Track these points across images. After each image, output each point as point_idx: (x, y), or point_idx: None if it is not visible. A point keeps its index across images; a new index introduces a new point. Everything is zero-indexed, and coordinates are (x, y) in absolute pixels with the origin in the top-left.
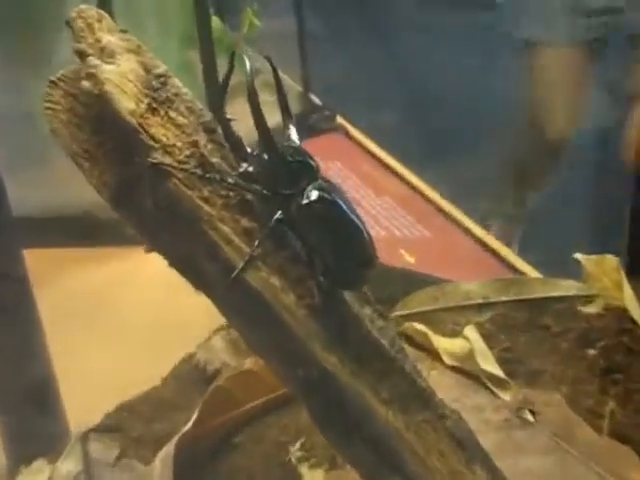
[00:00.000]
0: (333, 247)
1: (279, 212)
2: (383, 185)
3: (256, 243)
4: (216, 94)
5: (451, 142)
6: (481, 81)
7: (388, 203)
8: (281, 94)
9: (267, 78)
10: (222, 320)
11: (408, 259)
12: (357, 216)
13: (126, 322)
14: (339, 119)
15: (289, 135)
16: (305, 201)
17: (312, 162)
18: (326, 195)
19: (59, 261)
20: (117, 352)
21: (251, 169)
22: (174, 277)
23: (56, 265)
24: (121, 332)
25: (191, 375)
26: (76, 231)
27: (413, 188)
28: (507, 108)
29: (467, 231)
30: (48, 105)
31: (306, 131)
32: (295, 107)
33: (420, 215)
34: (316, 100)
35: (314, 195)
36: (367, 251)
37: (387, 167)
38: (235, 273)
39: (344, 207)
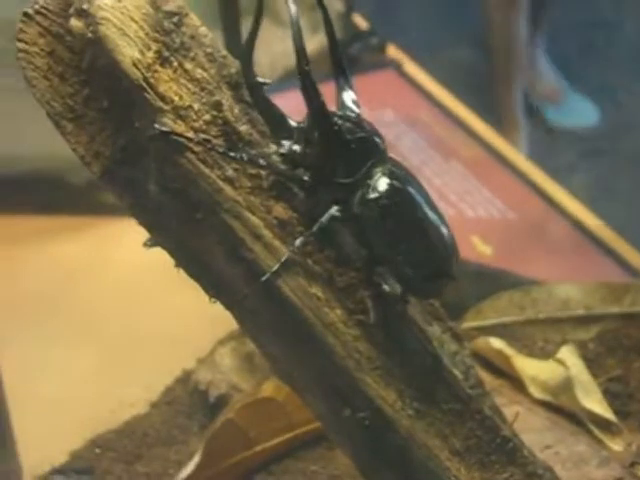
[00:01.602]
0: (405, 251)
1: (335, 207)
2: (451, 144)
3: (297, 242)
4: (244, 50)
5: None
6: None
7: (458, 170)
8: (332, 42)
9: None
10: (232, 325)
11: (483, 249)
12: (436, 211)
13: (99, 321)
14: (391, 50)
15: (344, 100)
16: (373, 195)
17: (378, 139)
18: (398, 185)
19: (9, 235)
20: (88, 363)
21: (296, 148)
22: (167, 260)
23: (5, 240)
24: (93, 335)
25: (188, 401)
26: (35, 195)
27: (493, 151)
28: None
29: (566, 213)
30: (21, 46)
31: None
32: None
33: (501, 189)
34: (361, 23)
35: (383, 185)
36: (447, 257)
37: (457, 120)
38: (265, 277)
39: (421, 200)
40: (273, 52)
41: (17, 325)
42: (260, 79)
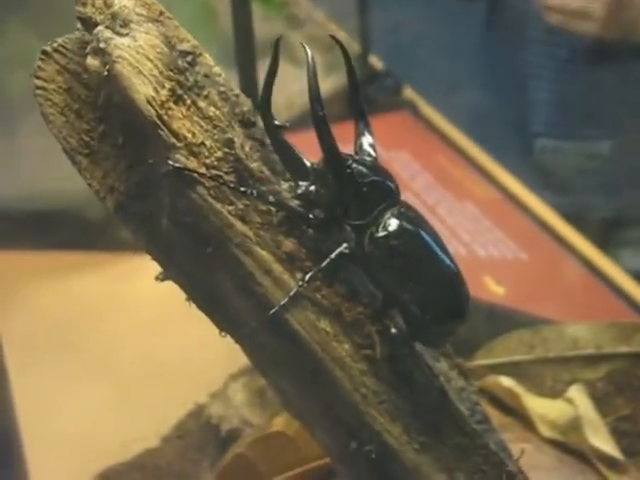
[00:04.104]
0: (415, 292)
1: (345, 244)
2: (465, 186)
3: (307, 276)
4: (261, 93)
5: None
6: None
7: (471, 211)
8: (354, 87)
9: (314, 32)
10: (244, 360)
11: (495, 289)
12: (446, 252)
13: (114, 355)
14: (407, 91)
15: (362, 144)
16: (382, 233)
17: (391, 184)
18: (408, 226)
19: (28, 270)
20: (101, 397)
21: (311, 189)
22: (181, 295)
23: (24, 275)
24: (107, 369)
25: (200, 435)
26: (53, 231)
27: (506, 192)
28: None
29: (578, 253)
30: (39, 83)
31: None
32: None
33: (514, 229)
34: (378, 64)
35: (393, 225)
36: (458, 299)
37: (472, 161)
38: (273, 311)
39: (431, 241)
40: (289, 91)
41: (33, 358)
42: (277, 122)
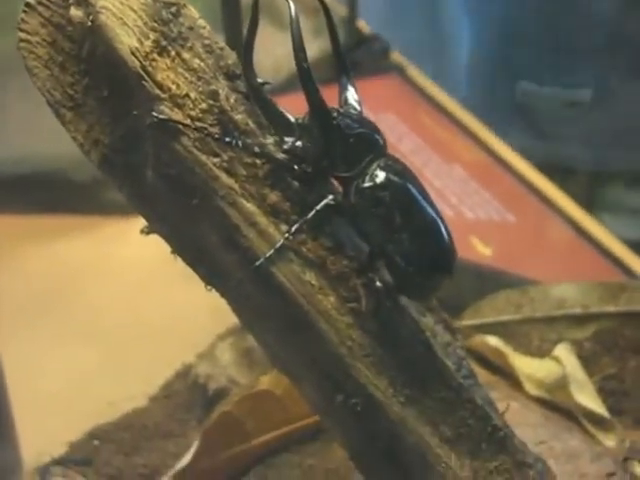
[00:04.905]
0: (401, 244)
1: (330, 196)
2: (453, 148)
3: (293, 228)
4: (243, 51)
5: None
6: None
7: (458, 173)
8: (335, 41)
9: None
10: (231, 320)
11: (482, 250)
12: (433, 206)
13: (101, 317)
14: (394, 55)
15: (347, 98)
16: (368, 184)
17: (377, 136)
18: (394, 177)
19: (14, 234)
20: (88, 358)
21: (297, 143)
22: (168, 257)
23: (11, 239)
24: (94, 331)
25: (187, 394)
26: (40, 195)
27: (493, 155)
28: None
29: (564, 215)
30: (22, 36)
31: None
32: None
33: (501, 191)
34: (365, 27)
35: (380, 177)
36: (442, 252)
37: (459, 124)
38: (258, 263)
39: (417, 194)
40: (276, 55)
41: (20, 321)
42: (260, 79)
